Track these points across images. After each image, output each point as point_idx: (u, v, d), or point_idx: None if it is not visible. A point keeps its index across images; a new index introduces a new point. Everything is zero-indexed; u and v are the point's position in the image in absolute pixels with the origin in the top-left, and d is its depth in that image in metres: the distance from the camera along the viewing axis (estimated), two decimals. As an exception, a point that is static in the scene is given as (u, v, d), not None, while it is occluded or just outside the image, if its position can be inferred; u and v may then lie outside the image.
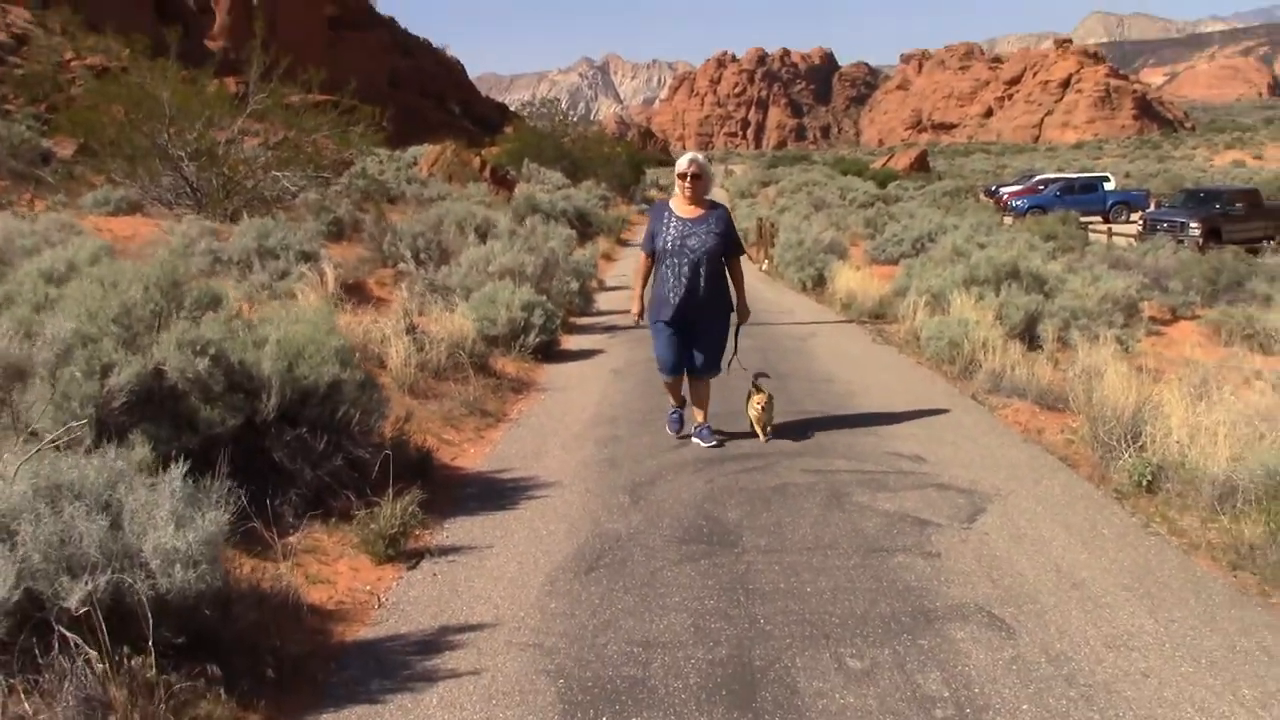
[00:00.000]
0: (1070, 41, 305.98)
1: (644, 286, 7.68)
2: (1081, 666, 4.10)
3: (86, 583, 3.45)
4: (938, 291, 13.25)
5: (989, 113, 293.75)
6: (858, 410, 8.64)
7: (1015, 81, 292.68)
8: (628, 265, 22.97)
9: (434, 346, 9.19)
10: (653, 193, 60.46)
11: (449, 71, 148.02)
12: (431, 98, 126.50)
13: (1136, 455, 6.44)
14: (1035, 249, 20.37)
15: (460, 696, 3.95)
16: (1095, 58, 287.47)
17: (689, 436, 7.71)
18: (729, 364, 7.75)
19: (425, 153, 44.92)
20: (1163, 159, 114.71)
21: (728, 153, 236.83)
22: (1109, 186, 50.32)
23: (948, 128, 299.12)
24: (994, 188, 59.60)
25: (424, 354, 8.96)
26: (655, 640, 4.37)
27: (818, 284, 18.45)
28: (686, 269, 7.21)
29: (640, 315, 7.79)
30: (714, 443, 7.52)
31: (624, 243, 31.15)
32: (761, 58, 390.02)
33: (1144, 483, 6.25)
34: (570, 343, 12.48)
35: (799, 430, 7.87)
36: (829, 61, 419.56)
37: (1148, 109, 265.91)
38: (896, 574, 5.04)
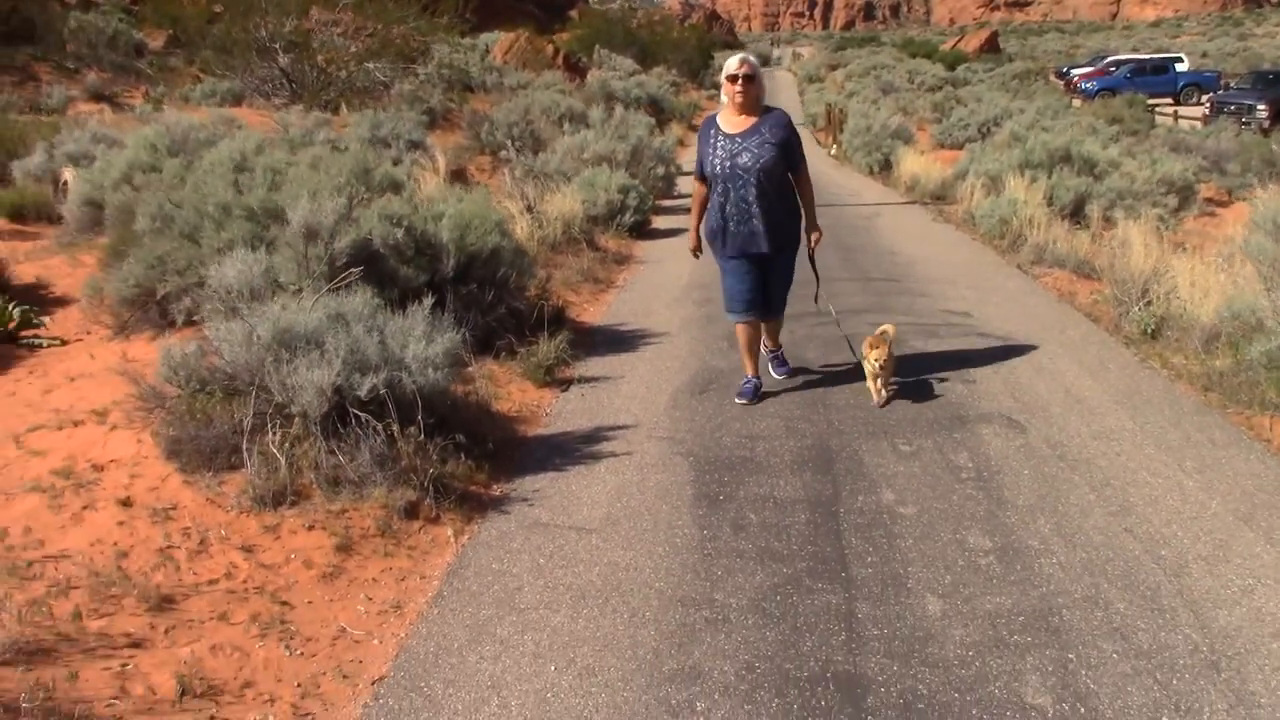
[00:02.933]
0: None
1: (701, 217, 6.51)
2: (1072, 449, 5.60)
3: (371, 378, 5.04)
4: (995, 174, 14.46)
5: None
6: (916, 277, 10.07)
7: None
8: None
9: (550, 224, 10.72)
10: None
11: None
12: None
13: (1144, 309, 7.82)
14: (1097, 133, 21.34)
15: (620, 466, 5.54)
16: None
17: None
18: (817, 298, 7.09)
19: (499, 40, 45.77)
20: (1244, 37, 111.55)
21: (794, 34, 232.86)
22: (1181, 68, 49.94)
23: (1021, 5, 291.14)
24: (1065, 69, 59.22)
25: (543, 230, 10.50)
26: (758, 434, 5.93)
27: (884, 168, 19.63)
28: (741, 193, 6.08)
29: (697, 248, 6.63)
30: (786, 372, 6.95)
31: (695, 128, 32.22)
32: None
33: (1149, 330, 7.66)
34: (659, 222, 13.93)
35: (867, 291, 9.30)
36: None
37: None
38: (941, 393, 6.53)
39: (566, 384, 6.99)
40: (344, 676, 3.72)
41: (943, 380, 6.79)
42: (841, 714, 3.40)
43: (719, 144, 6.17)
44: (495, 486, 5.32)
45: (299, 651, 3.83)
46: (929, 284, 9.77)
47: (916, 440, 5.76)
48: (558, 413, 6.46)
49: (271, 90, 25.25)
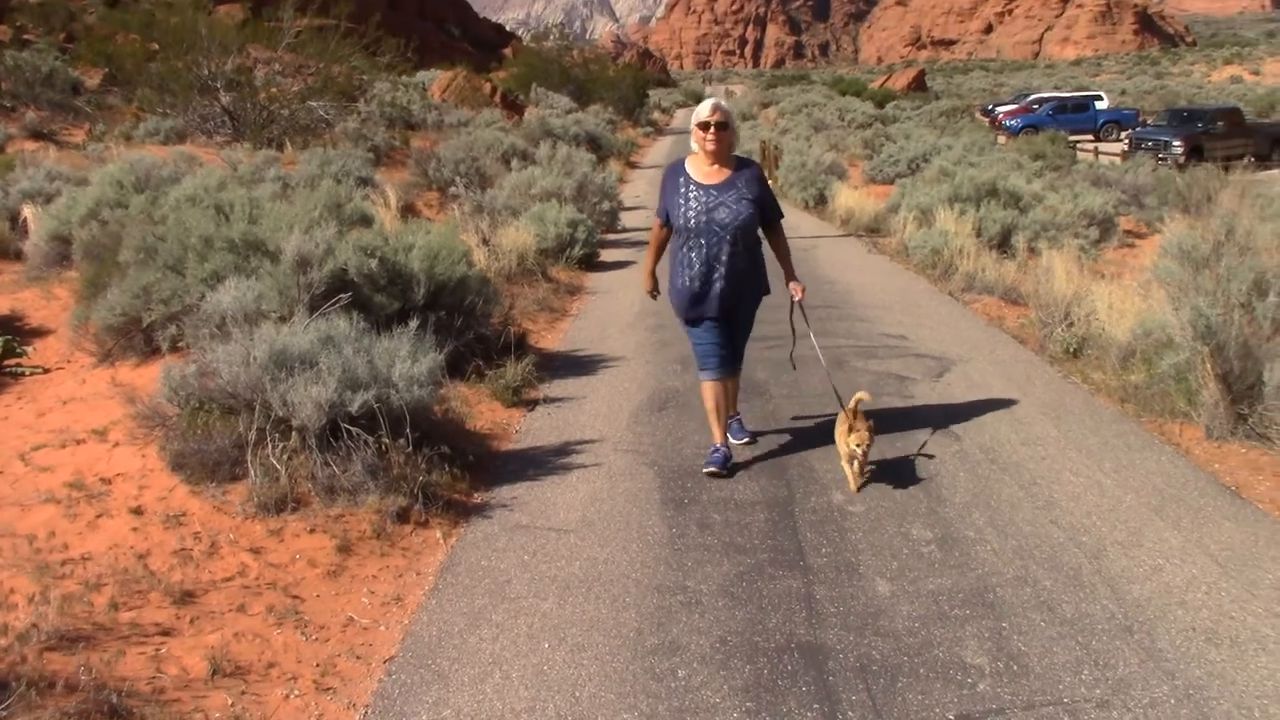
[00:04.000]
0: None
1: (657, 259, 6.31)
2: (1002, 455, 6.14)
3: (362, 394, 5.44)
4: (925, 208, 15.15)
5: (989, 29, 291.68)
6: (854, 304, 10.65)
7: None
8: (639, 187, 24.85)
9: (505, 256, 11.17)
10: (656, 115, 61.89)
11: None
12: (430, 19, 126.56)
13: (1066, 330, 8.44)
14: (1022, 168, 22.26)
15: (590, 475, 6.00)
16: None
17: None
18: (793, 356, 6.91)
19: (437, 78, 46.22)
20: (1160, 75, 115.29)
21: (726, 72, 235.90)
22: (1101, 105, 51.70)
23: (947, 44, 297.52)
24: (990, 107, 60.97)
25: (499, 262, 10.94)
26: (715, 446, 6.41)
27: (819, 202, 20.30)
28: (721, 249, 5.79)
29: (653, 291, 6.37)
30: (746, 439, 6.51)
31: (634, 165, 32.90)
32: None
33: (1071, 350, 8.27)
34: (607, 255, 14.41)
35: (808, 318, 9.83)
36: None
37: (1149, 24, 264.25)
38: (882, 410, 7.06)
39: (533, 404, 7.42)
40: (357, 657, 4.12)
41: (882, 396, 7.32)
42: (806, 676, 3.87)
43: (692, 194, 5.82)
44: (477, 495, 5.75)
45: (314, 637, 4.22)
46: (866, 310, 10.35)
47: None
48: (527, 430, 6.90)
49: (214, 128, 25.45)
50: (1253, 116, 45.62)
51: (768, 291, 6.18)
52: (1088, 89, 68.93)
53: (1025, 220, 14.51)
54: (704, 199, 5.81)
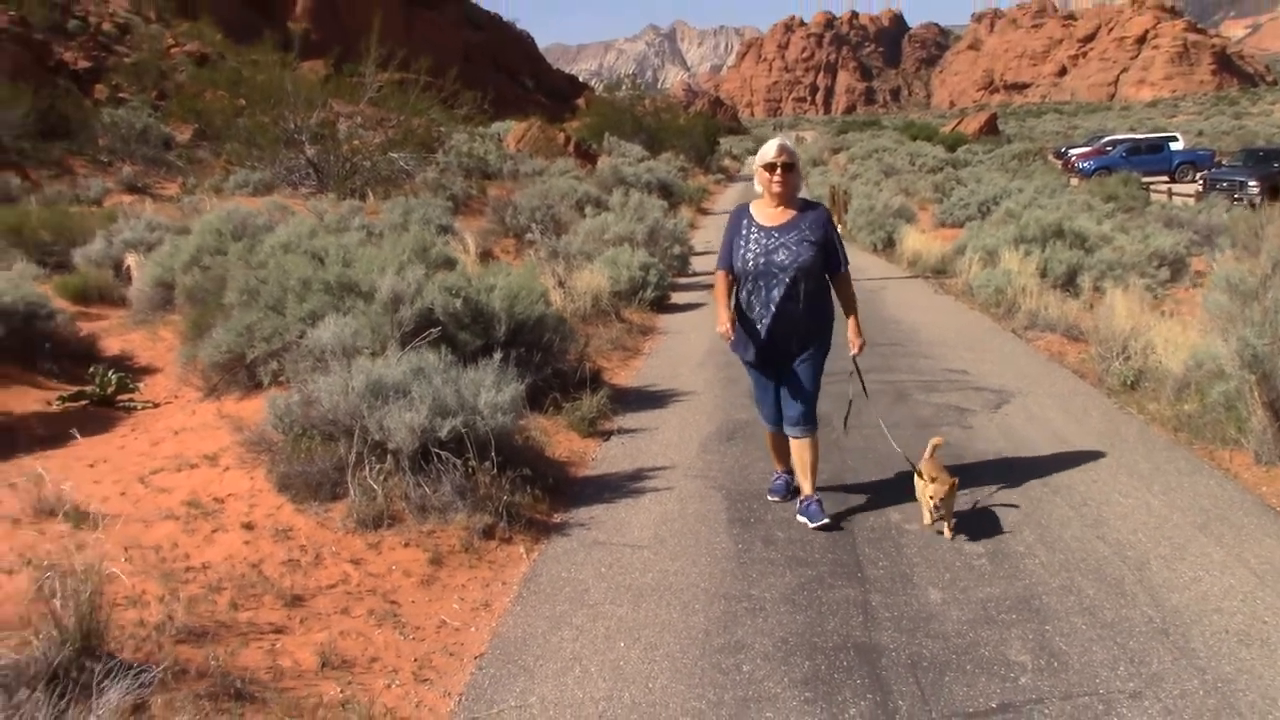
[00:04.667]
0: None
1: (728, 303, 5.93)
2: (1054, 478, 6.44)
3: (450, 421, 5.90)
4: (991, 249, 15.42)
5: (1063, 71, 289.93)
6: (919, 341, 10.96)
7: (1089, 39, 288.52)
8: (710, 233, 25.27)
9: (580, 298, 11.66)
10: (727, 162, 62.55)
11: (519, 44, 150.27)
12: (504, 71, 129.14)
13: (1124, 364, 8.68)
14: (1092, 210, 22.42)
15: (662, 498, 6.39)
16: (1172, 12, 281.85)
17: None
18: (847, 418, 6.61)
19: (511, 129, 47.30)
20: (1239, 115, 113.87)
21: (797, 119, 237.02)
22: (1176, 146, 51.29)
23: (1020, 88, 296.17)
24: (1063, 149, 60.73)
25: (575, 303, 11.43)
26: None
27: (887, 245, 20.62)
28: (777, 293, 5.67)
29: (731, 330, 5.85)
30: (824, 521, 5.83)
31: (705, 211, 33.43)
32: (829, 21, 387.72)
33: (1128, 382, 8.51)
34: (678, 298, 14.85)
35: (873, 354, 10.16)
36: (898, 23, 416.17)
37: (1227, 64, 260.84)
38: (944, 436, 7.37)
39: (608, 435, 7.85)
40: (450, 654, 4.54)
41: (943, 426, 7.63)
42: (860, 671, 4.21)
43: (753, 236, 5.74)
44: (556, 515, 6.17)
45: (411, 636, 4.65)
46: (930, 347, 10.65)
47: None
48: (603, 458, 7.31)
49: (299, 179, 26.41)
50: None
51: (828, 346, 5.95)
52: (1164, 130, 68.39)
53: (1091, 260, 14.69)
54: (764, 240, 5.70)
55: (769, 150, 5.76)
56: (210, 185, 27.29)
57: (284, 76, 27.73)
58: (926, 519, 5.69)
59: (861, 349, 5.91)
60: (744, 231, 5.81)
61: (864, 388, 6.24)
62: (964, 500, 6.03)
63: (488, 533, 5.69)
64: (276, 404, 6.15)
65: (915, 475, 5.72)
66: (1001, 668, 4.19)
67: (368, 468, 5.80)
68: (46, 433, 7.61)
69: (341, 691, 4.11)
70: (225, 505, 5.70)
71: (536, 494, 6.16)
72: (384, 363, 6.25)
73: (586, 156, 42.51)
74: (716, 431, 7.83)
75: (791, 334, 5.75)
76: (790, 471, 6.24)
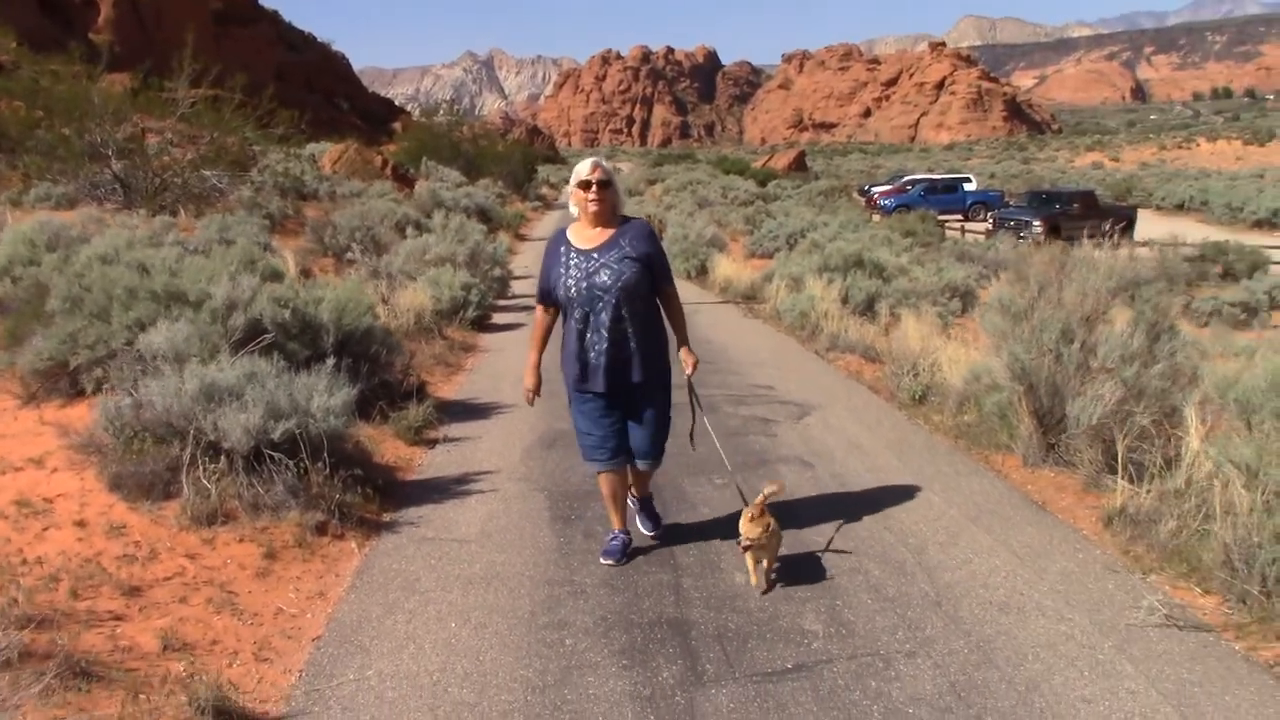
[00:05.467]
0: (944, 44, 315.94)
1: (541, 349, 5.77)
2: (849, 479, 7.06)
3: (284, 423, 6.12)
4: (797, 276, 16.29)
5: (867, 113, 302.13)
6: (728, 360, 11.59)
7: (892, 83, 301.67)
8: (528, 259, 25.66)
9: (404, 315, 11.88)
10: (544, 190, 63.07)
11: (334, 65, 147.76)
12: (319, 92, 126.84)
13: (913, 380, 9.46)
14: (892, 243, 23.74)
15: (487, 499, 6.74)
16: (968, 60, 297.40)
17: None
18: (693, 435, 6.07)
19: (327, 150, 46.74)
20: (1027, 160, 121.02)
21: (614, 150, 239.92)
22: (970, 187, 54.51)
23: (828, 127, 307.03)
24: (866, 187, 63.60)
25: (398, 320, 11.64)
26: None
27: (700, 273, 21.38)
28: (605, 317, 5.29)
29: (535, 392, 5.82)
30: (655, 531, 6.02)
31: (523, 237, 33.79)
32: (646, 55, 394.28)
33: (916, 397, 9.28)
34: (498, 318, 15.19)
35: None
36: (712, 60, 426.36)
37: (1018, 111, 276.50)
38: (748, 445, 7.93)
39: (434, 443, 8.14)
40: (288, 637, 4.79)
41: (749, 434, 8.20)
42: (673, 642, 4.66)
43: (572, 262, 5.35)
44: (386, 514, 6.44)
45: (249, 622, 4.87)
46: (739, 365, 11.29)
47: (727, 475, 7.11)
48: (429, 463, 7.61)
49: (104, 194, 25.60)
50: (1110, 199, 48.64)
51: (669, 369, 5.65)
52: (959, 172, 72.13)
53: (888, 289, 15.70)
54: (584, 265, 5.31)
55: (583, 168, 5.40)
56: (7, 198, 26.19)
57: (89, 89, 26.88)
58: (752, 579, 5.33)
59: (695, 367, 5.68)
60: (563, 258, 5.40)
61: (698, 405, 6.03)
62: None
63: (320, 529, 5.93)
64: (107, 407, 6.26)
65: (742, 515, 5.32)
66: (797, 636, 4.71)
67: (201, 468, 5.97)
68: None
69: (184, 670, 4.31)
70: (55, 505, 5.78)
71: (367, 493, 6.43)
72: (216, 367, 6.42)
73: (404, 180, 42.31)
74: (538, 440, 8.21)
75: (630, 359, 5.36)
76: (628, 532, 5.83)
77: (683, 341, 5.73)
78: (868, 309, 15.02)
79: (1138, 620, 4.79)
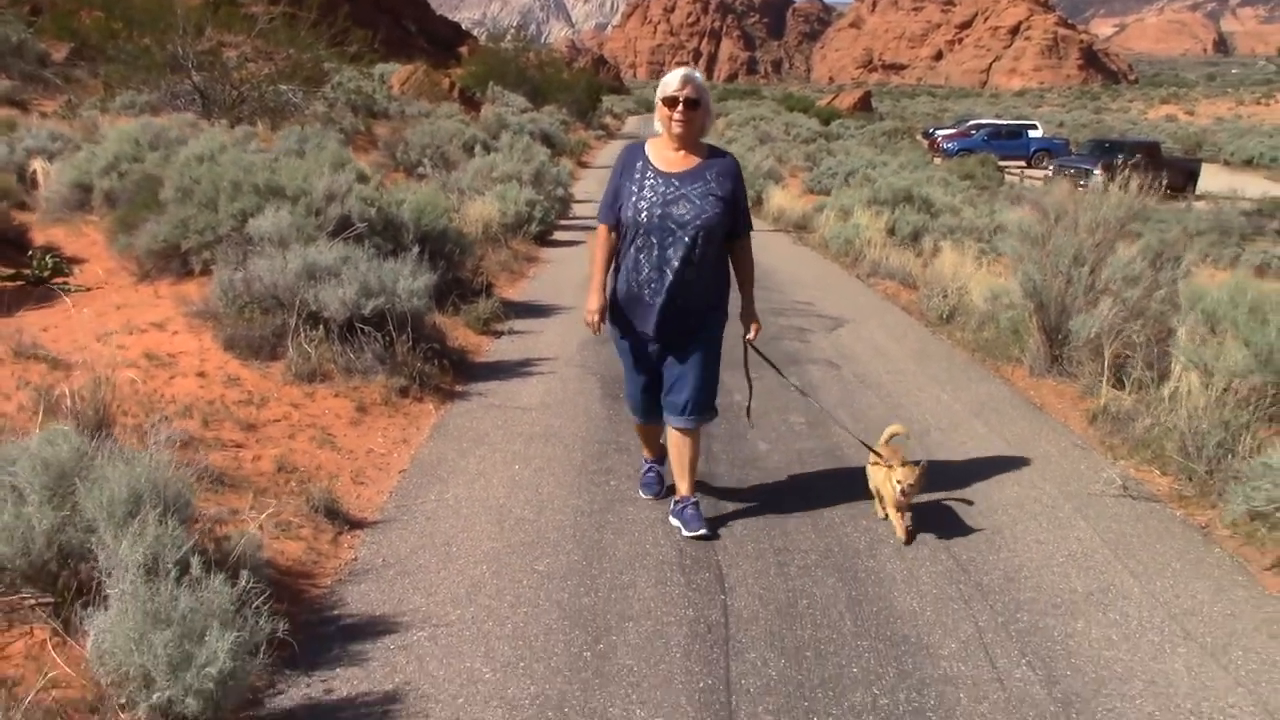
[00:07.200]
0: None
1: (606, 270, 5.05)
2: (871, 380, 7.88)
3: (374, 300, 7.02)
4: (847, 208, 16.98)
5: (939, 55, 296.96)
6: (774, 281, 12.38)
7: (966, 25, 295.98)
8: (589, 185, 26.45)
9: (473, 225, 12.77)
10: (608, 119, 63.59)
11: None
12: (388, 14, 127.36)
13: (942, 301, 10.21)
14: (949, 185, 24.26)
15: (546, 379, 7.64)
16: (1046, 5, 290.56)
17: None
18: (749, 409, 5.81)
19: (396, 71, 47.53)
20: (1099, 110, 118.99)
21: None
22: (1035, 134, 54.19)
23: (898, 68, 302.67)
24: (930, 130, 63.36)
25: (468, 230, 12.53)
26: (647, 365, 8.06)
27: (756, 203, 22.08)
28: (672, 252, 4.72)
29: (599, 320, 5.08)
30: (701, 531, 4.99)
31: (585, 165, 34.51)
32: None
33: (944, 316, 10.05)
34: (558, 235, 16.03)
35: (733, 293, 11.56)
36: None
37: (1094, 60, 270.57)
38: (783, 348, 8.76)
39: (499, 333, 9.04)
40: (379, 469, 5.72)
41: (784, 340, 9.02)
42: (699, 488, 5.53)
43: (648, 182, 4.76)
44: (458, 386, 7.37)
45: (346, 456, 5.82)
46: (782, 284, 12.09)
47: (761, 370, 7.93)
48: (495, 349, 8.52)
49: (184, 105, 26.63)
50: (1177, 152, 48.43)
51: (725, 318, 5.11)
52: (1027, 119, 71.52)
53: (935, 224, 16.35)
54: (662, 188, 4.73)
55: (672, 81, 4.78)
56: (94, 105, 27.29)
57: (170, 1, 27.82)
58: (899, 530, 5.02)
59: (758, 332, 5.16)
60: (639, 175, 4.81)
61: (774, 366, 5.85)
62: (792, 389, 7.43)
63: (403, 392, 6.85)
64: (222, 279, 7.21)
65: (871, 461, 5.23)
66: (806, 489, 5.59)
67: (303, 334, 6.91)
68: (-11, 305, 8.47)
69: (296, 484, 5.26)
70: (178, 359, 6.74)
71: (443, 366, 7.35)
72: (316, 250, 7.33)
73: (471, 103, 43.03)
74: (592, 337, 9.06)
75: (689, 306, 4.83)
76: (661, 461, 5.45)
77: (747, 300, 5.12)
78: (913, 241, 15.70)
79: (1098, 490, 5.62)
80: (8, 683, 3.18)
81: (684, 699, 3.60)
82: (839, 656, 3.90)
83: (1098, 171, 36.13)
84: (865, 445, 5.36)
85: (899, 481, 4.82)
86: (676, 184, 4.74)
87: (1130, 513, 5.35)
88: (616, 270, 4.97)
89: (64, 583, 3.54)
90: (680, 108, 4.74)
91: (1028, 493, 5.60)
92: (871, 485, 5.24)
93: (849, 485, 5.64)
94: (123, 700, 3.19)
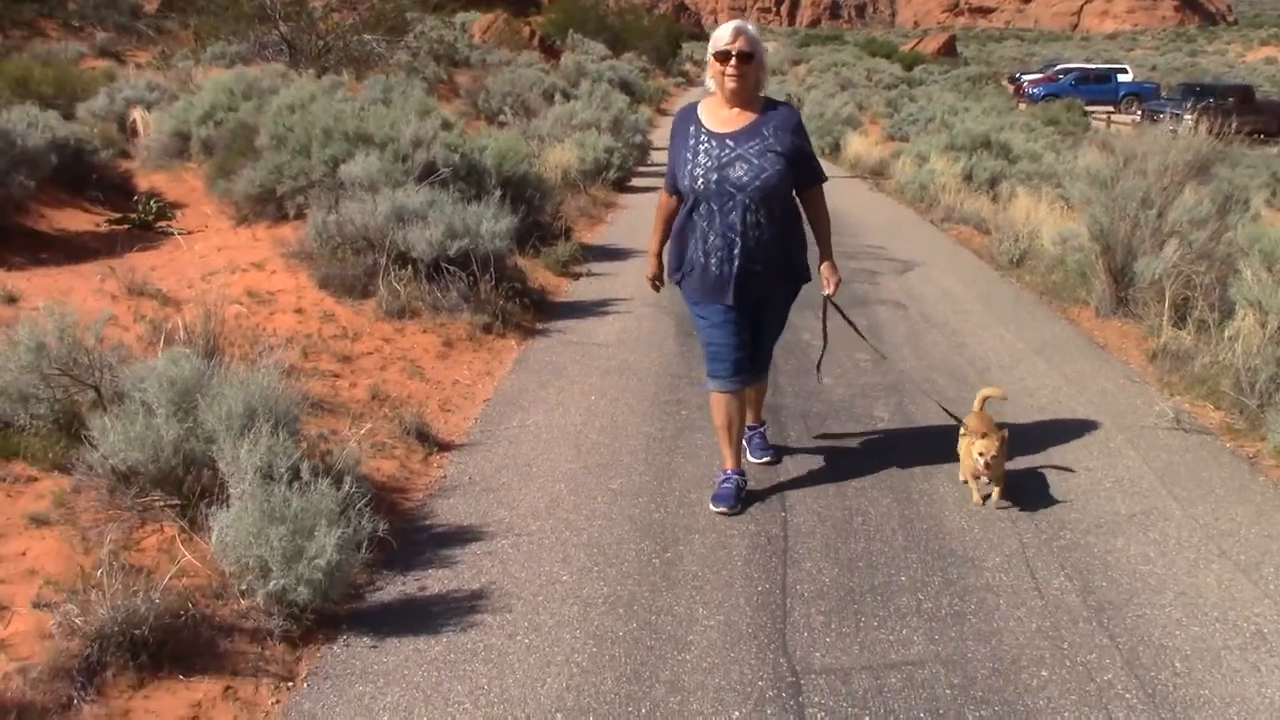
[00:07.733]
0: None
1: (665, 234, 4.94)
2: (937, 320, 8.10)
3: (459, 242, 7.40)
4: (924, 154, 17.00)
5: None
6: (848, 225, 12.55)
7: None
8: (666, 133, 26.51)
9: (552, 171, 13.10)
10: (688, 66, 63.36)
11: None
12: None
13: (1013, 244, 10.34)
14: (1033, 130, 24.04)
15: (623, 318, 7.98)
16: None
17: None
18: (820, 364, 5.67)
19: (477, 20, 47.85)
20: (1194, 53, 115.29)
21: (761, 29, 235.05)
22: (1124, 78, 52.95)
23: (985, 12, 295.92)
24: (1017, 75, 62.22)
25: (547, 176, 12.86)
26: (719, 305, 8.36)
27: (834, 150, 22.12)
28: (735, 218, 4.47)
29: (657, 280, 5.17)
30: (766, 458, 5.32)
31: (663, 112, 34.61)
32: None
33: (1014, 260, 10.18)
34: (636, 182, 16.31)
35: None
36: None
37: (1190, 1, 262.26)
38: (853, 291, 8.98)
39: (577, 276, 9.39)
40: (465, 398, 6.12)
41: (854, 283, 9.25)
42: (767, 417, 5.84)
43: (702, 146, 4.52)
44: (539, 324, 7.74)
45: (434, 386, 6.23)
46: (855, 228, 12.27)
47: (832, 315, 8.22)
48: (574, 290, 8.88)
49: (272, 55, 27.24)
50: (1273, 96, 47.06)
51: (808, 278, 4.94)
52: (1118, 63, 69.85)
53: (1013, 170, 16.32)
54: (718, 151, 4.48)
55: (723, 34, 4.47)
56: (186, 55, 28.04)
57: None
58: (975, 497, 4.88)
59: (838, 286, 4.90)
60: (692, 140, 4.57)
61: (854, 327, 5.59)
62: (863, 327, 7.69)
63: (486, 329, 7.24)
64: (316, 221, 7.64)
65: (959, 432, 5.01)
66: (866, 419, 5.86)
67: (392, 274, 7.32)
68: (99, 247, 9.00)
69: (389, 410, 5.67)
70: (277, 297, 7.19)
71: (524, 304, 7.73)
72: (404, 193, 7.72)
73: (550, 51, 43.24)
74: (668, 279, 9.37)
75: (765, 271, 4.63)
76: (742, 473, 4.98)
77: (826, 255, 4.89)
78: (990, 187, 15.70)
79: (1150, 423, 5.83)
80: (144, 571, 3.60)
81: (743, 600, 3.94)
82: (889, 567, 4.21)
83: (1187, 115, 35.46)
84: (949, 413, 5.27)
85: (980, 454, 4.64)
86: (731, 145, 4.47)
87: (1181, 444, 5.56)
88: (674, 236, 4.80)
89: (188, 487, 3.97)
90: (733, 62, 4.42)
91: (1082, 424, 5.82)
92: (960, 454, 4.97)
93: (909, 416, 5.92)
94: (243, 588, 3.61)
